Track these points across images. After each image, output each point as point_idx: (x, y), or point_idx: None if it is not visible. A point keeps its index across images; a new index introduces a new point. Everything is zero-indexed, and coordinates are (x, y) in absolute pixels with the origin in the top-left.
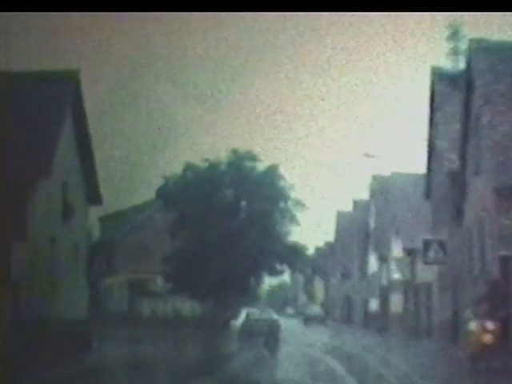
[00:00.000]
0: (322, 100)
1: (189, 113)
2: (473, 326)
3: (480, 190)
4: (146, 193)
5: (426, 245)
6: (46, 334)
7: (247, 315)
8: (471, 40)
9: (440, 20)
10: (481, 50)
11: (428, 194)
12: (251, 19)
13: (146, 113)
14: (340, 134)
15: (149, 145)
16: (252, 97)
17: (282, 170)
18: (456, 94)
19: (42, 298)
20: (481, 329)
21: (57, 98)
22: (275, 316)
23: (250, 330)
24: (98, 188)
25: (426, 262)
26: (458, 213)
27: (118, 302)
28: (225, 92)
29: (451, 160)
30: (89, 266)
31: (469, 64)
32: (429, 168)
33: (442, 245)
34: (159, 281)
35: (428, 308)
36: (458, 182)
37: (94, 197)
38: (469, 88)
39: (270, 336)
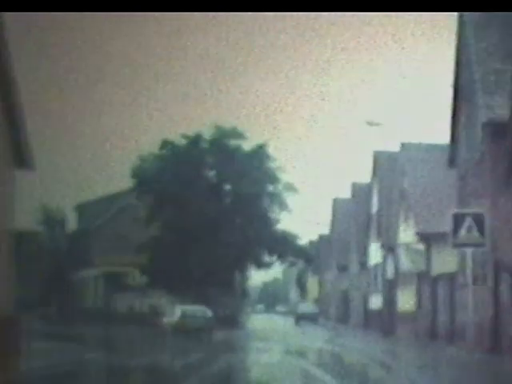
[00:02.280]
0: (322, 100)
1: (189, 113)
2: None
3: None
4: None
5: (457, 221)
6: None
7: (182, 312)
8: None
9: (440, 20)
10: None
11: (452, 160)
12: (251, 19)
13: (146, 113)
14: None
15: (149, 145)
16: (252, 97)
17: (271, 151)
18: (494, 23)
19: None
20: None
21: None
22: (210, 313)
23: (184, 327)
24: (26, 147)
25: (456, 245)
26: (507, 175)
27: (93, 297)
28: (225, 92)
29: (491, 106)
30: (64, 258)
31: None
32: (454, 125)
33: (478, 220)
34: (137, 274)
35: (450, 306)
36: (505, 132)
37: (20, 158)
38: None
39: (204, 333)
